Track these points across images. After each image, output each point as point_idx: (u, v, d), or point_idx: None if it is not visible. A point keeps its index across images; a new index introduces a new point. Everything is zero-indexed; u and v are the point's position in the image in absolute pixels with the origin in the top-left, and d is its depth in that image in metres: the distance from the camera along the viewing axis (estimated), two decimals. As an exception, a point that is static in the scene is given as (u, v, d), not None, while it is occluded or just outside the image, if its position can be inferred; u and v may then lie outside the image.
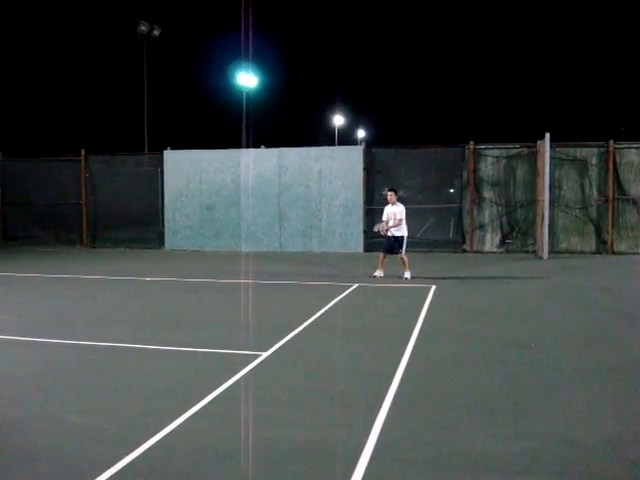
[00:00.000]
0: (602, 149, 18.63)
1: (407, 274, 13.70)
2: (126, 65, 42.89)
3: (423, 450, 4.75)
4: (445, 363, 7.16)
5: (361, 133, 74.71)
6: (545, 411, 5.57)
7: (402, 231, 13.88)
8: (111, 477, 4.32)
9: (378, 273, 13.93)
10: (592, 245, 18.79)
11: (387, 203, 14.12)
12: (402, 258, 13.81)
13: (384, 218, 14.03)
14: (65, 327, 9.20)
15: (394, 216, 13.86)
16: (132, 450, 4.71)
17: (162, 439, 4.96)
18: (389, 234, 13.86)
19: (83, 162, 21.91)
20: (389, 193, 14.21)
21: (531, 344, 7.95)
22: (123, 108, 43.61)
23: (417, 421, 5.34)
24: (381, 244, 19.73)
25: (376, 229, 14.14)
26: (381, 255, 14.09)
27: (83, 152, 21.96)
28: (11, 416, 5.56)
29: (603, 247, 18.63)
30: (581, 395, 6.01)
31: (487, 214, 19.37)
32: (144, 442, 4.86)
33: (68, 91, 46.04)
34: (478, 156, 19.35)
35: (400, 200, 14.68)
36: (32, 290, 12.95)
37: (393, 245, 13.89)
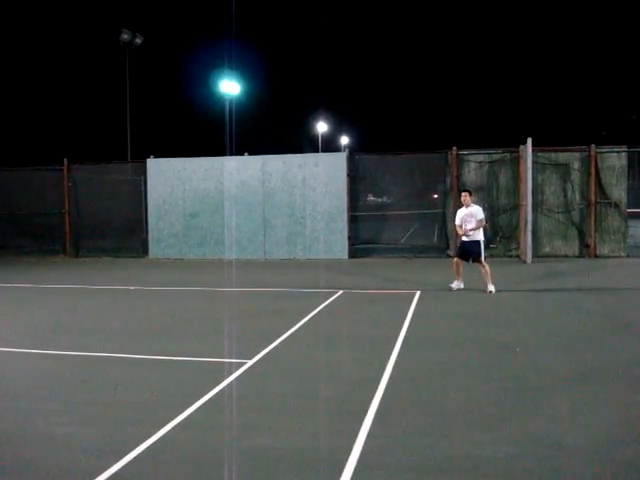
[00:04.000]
0: (584, 153, 18.78)
1: (491, 286, 12.42)
2: (109, 74, 42.77)
3: (409, 456, 4.75)
4: (430, 369, 7.18)
5: (345, 140, 74.77)
6: (532, 415, 5.60)
7: (481, 234, 12.67)
8: (96, 488, 4.30)
9: (456, 285, 12.89)
10: (575, 249, 18.92)
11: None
12: (484, 266, 12.51)
13: (457, 223, 12.86)
14: (48, 337, 9.13)
15: (471, 219, 12.60)
16: (118, 460, 4.69)
17: (148, 448, 4.93)
18: (465, 238, 12.64)
19: (66, 171, 21.79)
20: (463, 194, 12.99)
21: (516, 349, 7.98)
22: (106, 117, 43.47)
23: (403, 427, 5.35)
24: (365, 250, 19.95)
25: (461, 233, 12.71)
26: (455, 262, 12.99)
27: (66, 161, 21.83)
28: (-6, 428, 5.51)
29: (586, 251, 18.76)
30: (567, 398, 6.04)
31: (471, 219, 19.41)
32: (130, 452, 4.84)
33: (50, 100, 45.81)
34: (461, 162, 19.44)
35: (476, 202, 13.47)
36: (14, 300, 12.84)
37: (471, 250, 12.63)
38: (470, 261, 12.77)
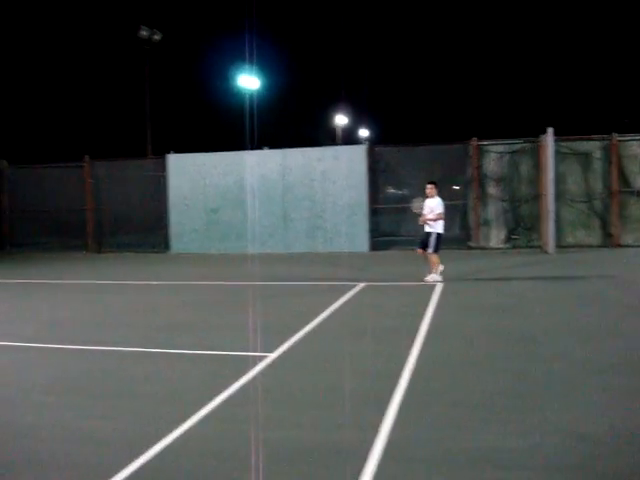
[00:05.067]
0: (605, 142, 18.59)
1: (429, 276, 12.84)
2: (128, 70, 42.97)
3: (433, 448, 4.75)
4: (453, 361, 7.17)
5: (364, 132, 74.56)
6: (554, 406, 5.57)
7: (435, 227, 12.96)
8: (122, 481, 4.35)
9: (434, 276, 12.92)
10: (598, 238, 18.74)
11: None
12: (431, 257, 12.87)
13: (425, 211, 13.15)
14: (73, 332, 9.22)
15: (431, 210, 13.05)
16: (142, 454, 4.73)
17: (172, 442, 4.97)
18: (426, 228, 13.05)
19: (87, 168, 21.97)
20: (429, 186, 13.30)
21: (539, 339, 7.95)
22: (126, 113, 43.67)
23: (426, 419, 5.35)
24: (386, 243, 19.90)
25: (416, 210, 13.47)
26: (420, 254, 13.29)
27: (87, 158, 22.02)
28: (22, 422, 5.59)
29: (609, 240, 18.58)
30: (590, 389, 6.00)
31: (492, 210, 19.33)
32: (155, 445, 4.88)
33: (70, 97, 46.12)
34: (482, 152, 19.33)
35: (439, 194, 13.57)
36: (39, 296, 12.99)
37: (425, 240, 13.04)
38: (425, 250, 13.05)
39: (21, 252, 22.36)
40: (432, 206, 13.07)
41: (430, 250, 12.83)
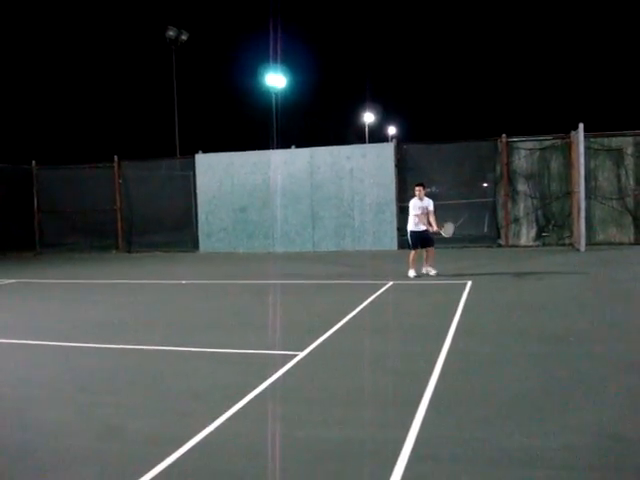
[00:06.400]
0: (638, 137, 18.32)
1: (409, 272, 13.35)
2: (156, 70, 43.33)
3: (463, 448, 4.71)
4: (483, 359, 7.11)
5: (392, 130, 74.40)
6: (586, 406, 5.50)
7: (409, 226, 13.61)
8: (154, 478, 4.37)
9: (423, 271, 13.57)
10: (630, 236, 18.48)
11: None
12: (429, 252, 13.64)
13: (418, 212, 13.49)
14: (104, 331, 9.31)
15: (427, 210, 13.51)
16: (174, 451, 4.76)
17: (203, 439, 4.99)
18: (422, 228, 13.46)
19: (116, 168, 22.18)
20: (418, 187, 13.60)
21: (570, 338, 7.85)
22: (154, 113, 44.04)
23: (456, 418, 5.31)
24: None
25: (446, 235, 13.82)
26: (415, 254, 13.62)
27: (116, 158, 22.23)
28: (55, 418, 5.65)
29: (641, 238, 18.31)
30: (622, 388, 5.91)
31: (522, 207, 19.16)
32: (185, 443, 4.90)
33: (99, 98, 46.63)
34: (511, 149, 19.16)
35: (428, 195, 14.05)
36: (70, 296, 13.13)
37: (430, 238, 13.59)
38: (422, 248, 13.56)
39: (51, 252, 22.65)
40: (425, 206, 13.48)
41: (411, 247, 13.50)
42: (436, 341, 7.80)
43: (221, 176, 21.08)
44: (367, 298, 11.05)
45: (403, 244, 19.52)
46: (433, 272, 13.49)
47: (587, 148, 17.85)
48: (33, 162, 23.21)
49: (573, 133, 18.08)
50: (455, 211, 20.55)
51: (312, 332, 8.48)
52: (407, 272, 13.32)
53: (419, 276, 13.18)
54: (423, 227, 13.42)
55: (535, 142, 19.17)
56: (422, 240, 13.47)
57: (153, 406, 5.91)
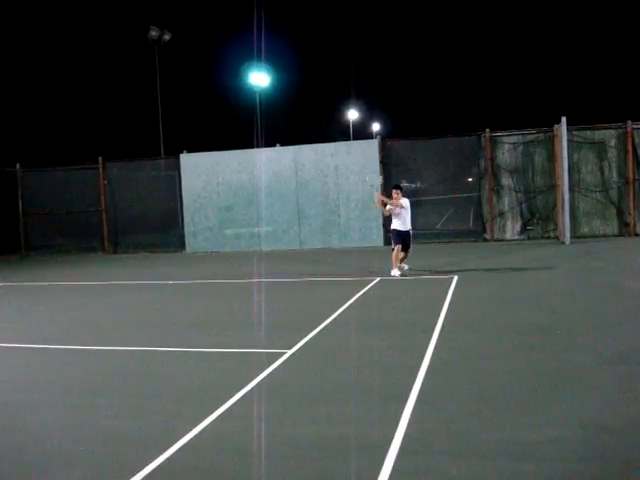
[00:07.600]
0: (620, 130, 18.46)
1: (392, 271, 13.08)
2: (139, 71, 43.12)
3: (452, 442, 4.74)
4: (470, 353, 7.14)
5: (376, 126, 74.46)
6: (572, 397, 5.54)
7: (394, 225, 13.39)
8: (143, 479, 4.36)
9: (399, 271, 13.27)
10: (614, 228, 18.63)
11: (405, 195, 13.64)
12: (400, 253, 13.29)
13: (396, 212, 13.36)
14: (91, 333, 9.27)
15: (405, 210, 13.28)
16: (162, 452, 4.75)
17: (191, 439, 4.99)
18: (402, 228, 13.25)
19: (101, 169, 22.08)
20: (395, 191, 13.35)
21: (556, 331, 7.90)
22: (138, 113, 43.83)
23: (444, 412, 5.33)
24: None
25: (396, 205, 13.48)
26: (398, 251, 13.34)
27: (100, 159, 22.13)
28: (42, 421, 5.62)
29: (625, 229, 18.46)
30: (608, 380, 5.96)
31: (507, 202, 19.25)
32: (175, 443, 4.89)
33: (82, 99, 46.34)
34: (495, 143, 19.25)
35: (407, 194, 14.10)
36: (56, 298, 13.07)
37: (409, 238, 13.42)
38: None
39: (37, 255, 22.53)
40: (406, 206, 13.29)
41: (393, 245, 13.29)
42: (424, 336, 7.82)
43: (206, 175, 21.03)
44: (354, 294, 11.07)
45: (389, 240, 19.57)
46: (406, 267, 13.44)
47: (570, 141, 17.96)
48: (17, 165, 23.06)
49: (556, 126, 18.19)
50: (440, 206, 20.65)
51: (300, 330, 8.49)
52: (391, 271, 13.10)
53: (404, 275, 13.15)
54: (405, 228, 13.23)
55: (519, 136, 19.28)
56: (403, 240, 13.26)
57: (142, 407, 5.89)
